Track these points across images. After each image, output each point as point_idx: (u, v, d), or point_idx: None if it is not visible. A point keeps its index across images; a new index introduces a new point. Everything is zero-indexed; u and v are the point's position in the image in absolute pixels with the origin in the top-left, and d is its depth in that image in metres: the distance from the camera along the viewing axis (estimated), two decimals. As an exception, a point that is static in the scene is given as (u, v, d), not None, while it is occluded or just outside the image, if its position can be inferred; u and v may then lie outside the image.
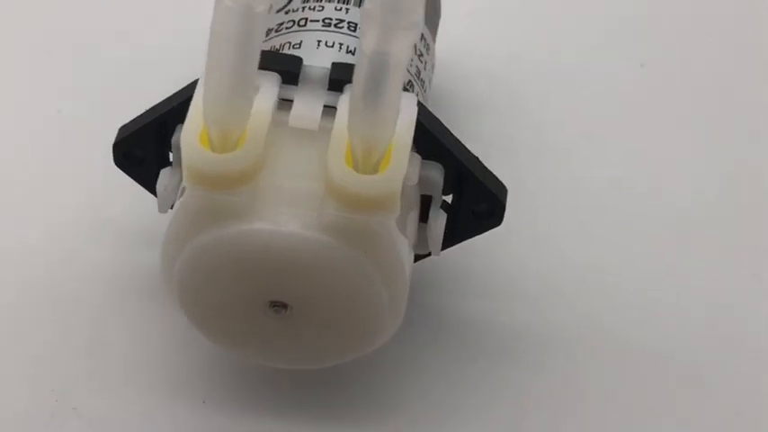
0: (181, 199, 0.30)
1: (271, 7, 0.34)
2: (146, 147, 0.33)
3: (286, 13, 0.35)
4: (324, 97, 0.31)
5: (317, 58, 0.33)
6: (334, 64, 0.31)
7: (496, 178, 0.33)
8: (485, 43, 0.44)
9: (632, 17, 0.45)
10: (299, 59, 0.31)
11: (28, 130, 0.41)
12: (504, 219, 0.33)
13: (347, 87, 0.30)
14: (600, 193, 0.41)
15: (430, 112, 0.32)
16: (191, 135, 0.28)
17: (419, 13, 0.26)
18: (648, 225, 0.40)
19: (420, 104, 0.31)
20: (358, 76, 0.27)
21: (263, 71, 0.30)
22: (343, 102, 0.30)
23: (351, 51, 0.33)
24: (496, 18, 0.45)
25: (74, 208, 0.39)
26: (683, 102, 0.43)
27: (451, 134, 0.32)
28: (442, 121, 0.32)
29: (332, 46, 0.33)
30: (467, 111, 0.42)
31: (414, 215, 0.32)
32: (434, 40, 0.38)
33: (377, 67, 0.26)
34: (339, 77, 0.31)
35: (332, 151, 0.28)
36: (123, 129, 0.34)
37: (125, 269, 0.37)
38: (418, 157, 0.31)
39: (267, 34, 0.35)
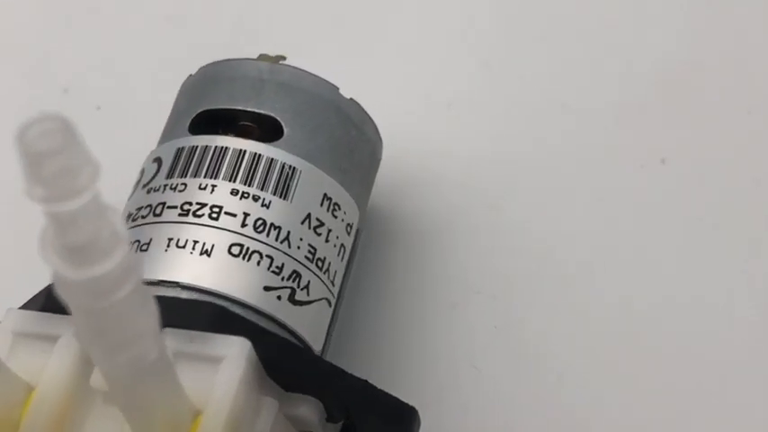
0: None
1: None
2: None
3: (148, 192, 0.29)
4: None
5: (163, 266, 0.26)
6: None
7: (396, 402, 0.26)
8: (466, 143, 0.36)
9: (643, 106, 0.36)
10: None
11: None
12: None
13: (166, 332, 0.24)
14: (607, 327, 0.33)
15: (286, 343, 0.25)
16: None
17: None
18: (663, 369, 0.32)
19: (267, 338, 0.24)
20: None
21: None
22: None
23: (206, 252, 0.27)
24: (482, 114, 0.37)
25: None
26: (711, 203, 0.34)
27: (324, 363, 0.26)
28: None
29: (183, 246, 0.27)
30: (448, 229, 0.35)
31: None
32: (367, 188, 0.31)
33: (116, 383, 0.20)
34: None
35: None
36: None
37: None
38: (274, 402, 0.25)
39: (127, 221, 0.29)
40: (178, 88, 0.34)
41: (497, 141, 0.36)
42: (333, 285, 0.29)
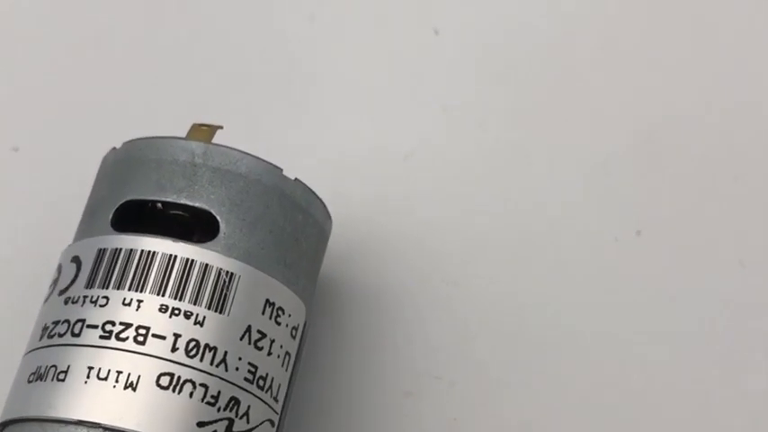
0: None
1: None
2: None
3: (66, 302, 0.25)
4: None
5: (82, 403, 0.23)
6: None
7: None
8: (425, 201, 0.33)
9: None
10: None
11: None
12: None
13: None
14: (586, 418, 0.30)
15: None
16: None
17: None
18: None
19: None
20: None
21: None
22: None
23: (131, 385, 0.23)
24: (443, 167, 0.33)
25: None
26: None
27: None
28: None
29: (105, 377, 0.24)
30: (403, 303, 0.32)
31: None
32: (314, 276, 0.28)
33: None
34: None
35: None
36: None
37: None
38: None
39: (41, 335, 0.25)
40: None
41: (459, 200, 0.33)
42: (276, 402, 0.26)
